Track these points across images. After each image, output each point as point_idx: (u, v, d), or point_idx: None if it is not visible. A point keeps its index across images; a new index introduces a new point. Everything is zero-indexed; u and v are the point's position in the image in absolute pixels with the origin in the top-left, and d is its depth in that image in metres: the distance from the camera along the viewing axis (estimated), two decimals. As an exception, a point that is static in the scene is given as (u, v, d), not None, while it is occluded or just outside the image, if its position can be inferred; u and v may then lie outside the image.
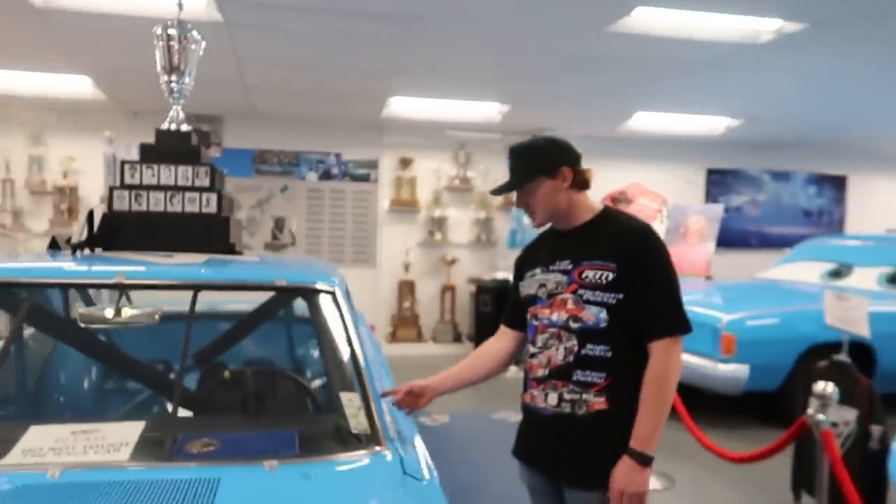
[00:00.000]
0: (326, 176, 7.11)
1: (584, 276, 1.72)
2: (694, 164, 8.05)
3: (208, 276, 1.99)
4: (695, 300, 5.15)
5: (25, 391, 2.13)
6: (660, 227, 7.75)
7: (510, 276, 6.57)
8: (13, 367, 2.11)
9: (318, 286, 2.05)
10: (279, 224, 7.00)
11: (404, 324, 7.16)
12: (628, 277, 1.69)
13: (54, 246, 2.31)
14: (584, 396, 1.72)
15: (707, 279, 6.68)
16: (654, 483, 3.57)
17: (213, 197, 2.51)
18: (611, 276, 1.70)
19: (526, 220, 1.89)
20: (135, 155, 7.15)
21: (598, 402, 1.70)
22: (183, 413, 1.84)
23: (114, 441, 1.62)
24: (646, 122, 6.95)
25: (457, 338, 7.27)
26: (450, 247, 7.32)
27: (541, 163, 1.75)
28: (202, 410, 1.90)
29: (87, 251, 2.22)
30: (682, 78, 5.45)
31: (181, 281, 1.95)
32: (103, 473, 1.46)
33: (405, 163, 7.21)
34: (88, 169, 6.55)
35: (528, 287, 1.86)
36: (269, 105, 6.47)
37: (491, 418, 4.86)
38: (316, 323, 2.05)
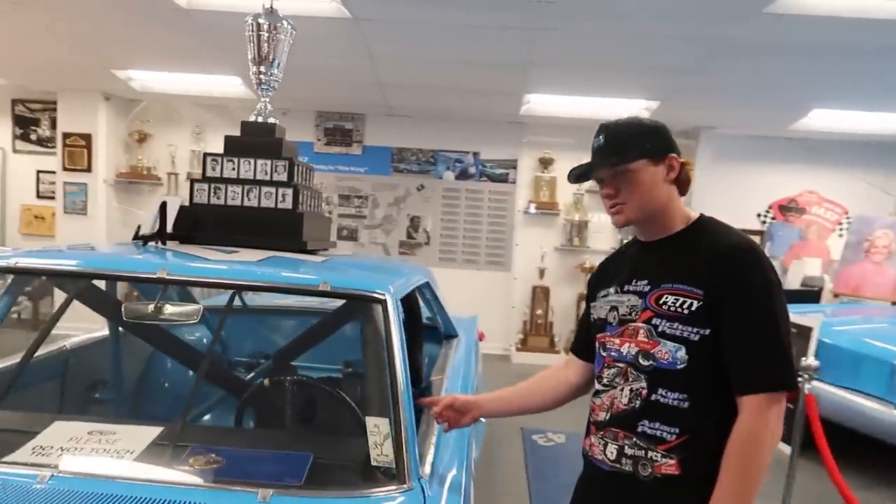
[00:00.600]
0: (464, 175, 6.97)
1: (662, 301, 1.36)
2: (884, 169, 6.89)
3: (251, 277, 1.86)
4: (870, 330, 4.34)
5: (70, 382, 2.15)
6: (837, 242, 6.73)
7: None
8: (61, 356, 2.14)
9: (363, 293, 1.84)
10: (414, 223, 6.97)
11: (536, 332, 6.83)
12: (719, 309, 1.31)
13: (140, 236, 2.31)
14: (651, 455, 1.36)
15: (893, 304, 5.66)
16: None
17: (289, 192, 2.41)
18: (695, 304, 1.32)
19: (613, 217, 1.49)
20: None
21: (668, 465, 1.34)
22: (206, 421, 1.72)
23: (122, 446, 1.53)
24: (825, 120, 6.03)
25: (592, 351, 6.80)
26: (589, 253, 6.87)
27: (647, 142, 1.39)
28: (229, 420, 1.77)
29: (157, 243, 2.20)
30: (868, 67, 4.62)
31: (220, 279, 1.84)
32: (89, 484, 1.36)
33: (545, 163, 6.87)
34: (242, 164, 6.93)
35: (599, 310, 1.52)
36: (405, 103, 6.44)
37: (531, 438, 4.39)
38: (362, 334, 1.85)
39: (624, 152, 1.39)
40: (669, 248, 1.43)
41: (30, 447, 1.52)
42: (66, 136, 6.53)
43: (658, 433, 1.35)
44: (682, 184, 1.45)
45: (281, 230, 2.35)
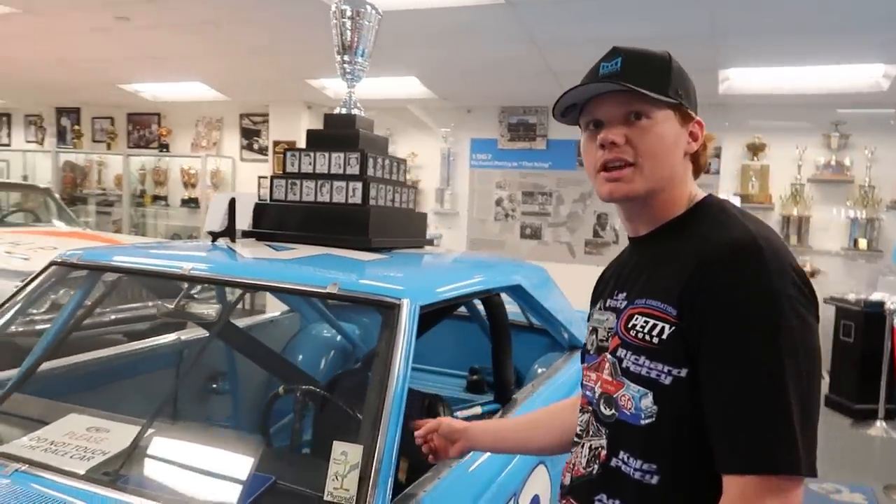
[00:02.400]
0: (657, 167, 6.30)
1: (631, 325, 0.94)
2: None
3: (269, 276, 1.74)
4: None
5: (114, 374, 2.20)
6: None
7: (890, 298, 4.82)
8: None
9: (375, 297, 1.61)
10: (601, 220, 6.47)
11: (743, 344, 5.92)
12: (698, 339, 0.86)
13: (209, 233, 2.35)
14: None
15: None
16: None
17: (359, 186, 2.26)
18: (667, 330, 0.89)
19: (606, 185, 0.99)
20: (465, 151, 7.50)
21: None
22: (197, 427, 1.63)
23: (99, 447, 1.49)
24: None
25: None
26: (811, 254, 5.77)
27: (679, 86, 0.99)
28: (226, 427, 1.66)
29: (225, 240, 2.20)
30: None
31: (236, 278, 1.74)
32: (39, 482, 1.34)
33: (755, 149, 5.92)
34: (429, 163, 7.05)
35: (587, 332, 1.13)
36: (586, 91, 5.99)
37: (831, 500, 3.58)
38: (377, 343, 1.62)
39: (654, 86, 0.95)
40: (658, 245, 1.00)
41: (32, 436, 1.54)
42: (276, 143, 7.19)
43: None
44: (699, 161, 1.03)
45: (347, 226, 2.21)
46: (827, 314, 5.30)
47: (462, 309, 2.85)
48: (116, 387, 2.17)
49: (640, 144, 0.96)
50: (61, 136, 8.97)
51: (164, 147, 8.18)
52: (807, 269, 5.67)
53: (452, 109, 6.88)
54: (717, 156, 6.10)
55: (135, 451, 1.43)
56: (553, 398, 2.25)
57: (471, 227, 6.94)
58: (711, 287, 0.85)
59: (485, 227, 6.89)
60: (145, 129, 8.48)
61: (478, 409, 2.29)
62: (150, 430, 1.52)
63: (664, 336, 0.89)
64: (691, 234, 0.94)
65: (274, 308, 3.43)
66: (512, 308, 2.61)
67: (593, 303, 1.13)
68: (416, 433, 1.39)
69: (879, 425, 4.70)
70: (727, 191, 6.05)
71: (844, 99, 5.42)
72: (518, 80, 5.82)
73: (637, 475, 0.91)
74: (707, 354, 0.85)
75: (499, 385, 2.35)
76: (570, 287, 2.90)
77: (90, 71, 6.66)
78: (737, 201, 5.92)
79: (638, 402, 0.91)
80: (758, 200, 5.90)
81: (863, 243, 5.61)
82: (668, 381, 0.88)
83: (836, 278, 5.69)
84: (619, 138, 0.97)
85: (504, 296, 2.38)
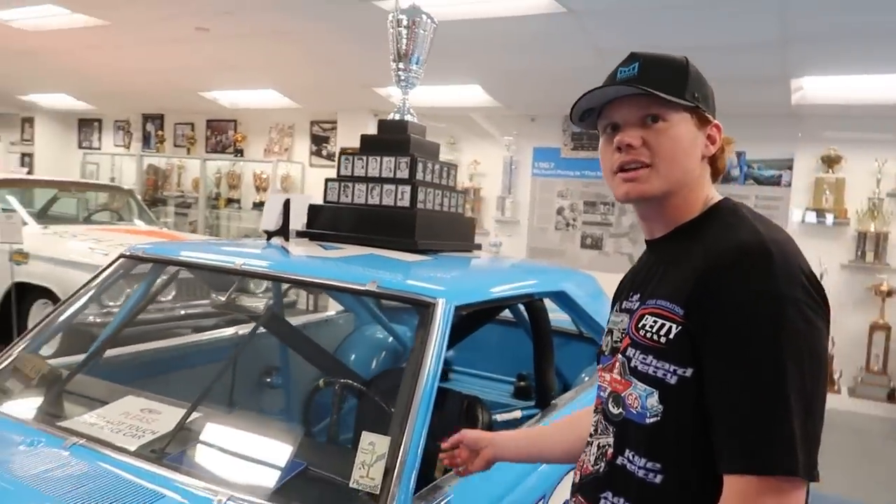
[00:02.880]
0: (725, 178, 6.12)
1: (640, 324, 0.96)
2: None
3: (302, 272, 1.82)
4: None
5: (172, 363, 2.32)
6: None
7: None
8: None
9: (412, 296, 1.66)
10: (665, 231, 6.34)
11: (813, 364, 5.66)
12: (703, 340, 0.87)
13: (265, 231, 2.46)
14: None
15: None
16: None
17: (407, 190, 2.32)
18: (674, 330, 0.90)
19: (623, 186, 1.01)
20: (527, 159, 7.53)
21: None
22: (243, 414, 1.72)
23: (150, 426, 1.60)
24: None
25: (890, 396, 5.41)
26: (889, 273, 5.48)
27: (696, 90, 1.00)
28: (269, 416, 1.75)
29: (279, 239, 2.30)
30: None
31: (281, 273, 1.83)
32: (94, 455, 1.45)
33: (830, 162, 5.67)
34: (491, 171, 7.09)
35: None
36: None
37: (820, 494, 3.41)
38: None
39: (666, 85, 0.97)
40: (671, 247, 1.00)
41: (92, 414, 1.67)
42: (343, 150, 7.40)
43: None
44: (718, 164, 1.03)
45: (394, 228, 2.27)
46: (905, 336, 5.03)
47: (510, 315, 2.88)
48: (174, 376, 2.30)
49: (656, 146, 0.97)
50: (146, 140, 9.50)
51: (238, 152, 8.54)
52: (883, 288, 5.40)
53: (516, 117, 6.91)
54: (789, 168, 5.88)
55: (180, 432, 1.53)
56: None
57: (531, 235, 6.93)
58: (718, 288, 0.86)
59: (545, 236, 6.87)
60: (222, 134, 8.87)
61: (517, 413, 2.31)
62: (196, 415, 1.62)
63: (671, 336, 0.90)
64: (703, 237, 0.95)
65: (334, 310, 3.54)
66: (564, 316, 2.61)
67: (612, 305, 1.14)
68: (443, 444, 1.38)
69: (820, 430, 4.39)
70: (800, 205, 5.82)
71: (929, 109, 5.14)
72: (582, 88, 5.73)
73: (641, 473, 0.92)
74: (711, 354, 0.86)
75: (540, 390, 2.37)
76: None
77: (172, 79, 7.05)
78: (810, 216, 5.70)
79: (644, 401, 0.92)
80: (833, 215, 5.65)
81: (947, 262, 5.29)
82: (673, 380, 0.89)
83: (916, 299, 5.39)
84: (636, 140, 0.98)
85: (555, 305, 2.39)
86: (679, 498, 0.90)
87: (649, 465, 0.91)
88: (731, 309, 0.84)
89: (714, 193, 1.02)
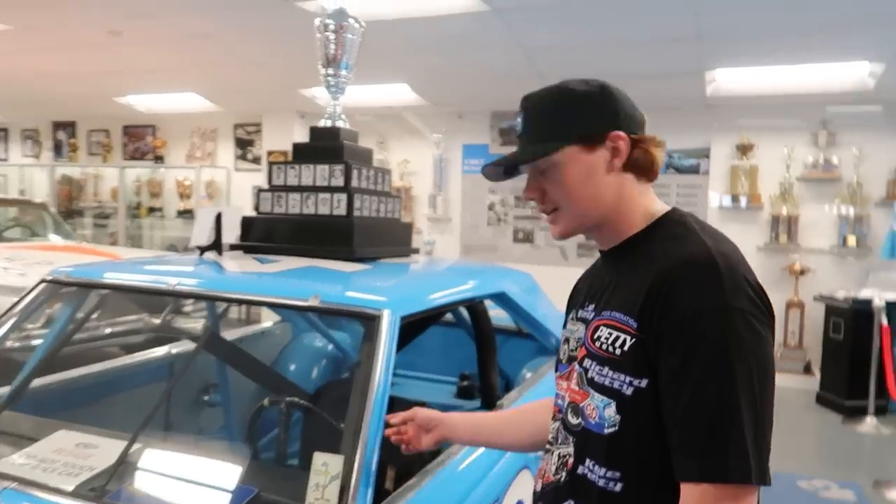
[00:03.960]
0: (648, 169, 6.33)
1: (596, 336, 0.98)
2: None
3: (252, 290, 1.78)
4: None
5: (105, 388, 2.24)
6: None
7: (879, 295, 4.87)
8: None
9: (355, 309, 1.65)
10: (594, 222, 6.52)
11: (737, 343, 5.95)
12: (656, 352, 0.90)
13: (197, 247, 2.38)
14: None
15: None
16: None
17: (343, 198, 2.30)
18: (628, 342, 0.93)
19: (551, 228, 1.09)
20: (457, 156, 7.55)
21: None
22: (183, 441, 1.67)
23: (87, 462, 1.53)
24: None
25: (806, 368, 5.75)
26: (801, 253, 5.81)
27: (575, 119, 1.01)
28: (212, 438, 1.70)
29: (212, 254, 2.23)
30: None
31: (219, 293, 1.78)
32: (29, 499, 1.37)
33: (744, 149, 5.96)
34: (422, 170, 7.09)
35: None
36: (576, 95, 6.04)
37: (820, 497, 3.61)
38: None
39: (539, 136, 1.01)
40: (623, 259, 1.02)
41: (22, 454, 1.58)
42: (269, 153, 7.24)
43: None
44: (643, 167, 1.02)
45: (332, 237, 2.25)
46: (816, 312, 5.37)
47: (450, 316, 2.89)
48: (107, 402, 2.21)
49: (552, 192, 1.03)
50: (57, 149, 9.02)
51: (159, 159, 8.23)
52: (796, 267, 5.73)
53: (444, 115, 6.93)
54: (706, 156, 6.15)
55: (121, 466, 1.47)
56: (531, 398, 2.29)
57: (464, 232, 6.98)
58: (668, 301, 0.89)
59: (477, 233, 6.93)
60: (140, 141, 8.53)
61: (464, 415, 2.33)
62: (137, 445, 1.56)
63: (626, 347, 0.92)
64: (653, 249, 0.97)
65: (269, 319, 3.47)
66: (503, 313, 2.65)
67: (567, 311, 1.16)
68: (391, 421, 1.40)
69: (869, 421, 4.73)
70: (717, 191, 6.10)
71: (831, 97, 5.47)
72: (508, 85, 5.84)
73: (601, 483, 0.94)
74: (664, 366, 0.89)
75: (485, 390, 2.39)
76: (562, 290, 2.90)
77: (85, 85, 6.71)
78: (727, 201, 5.98)
79: (602, 412, 0.94)
80: (748, 200, 5.94)
81: (852, 241, 5.65)
82: (629, 391, 0.92)
83: (825, 276, 5.74)
84: (535, 193, 1.05)
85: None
86: (640, 502, 0.93)
87: (609, 473, 0.94)
88: (682, 322, 0.87)
89: (656, 204, 1.04)
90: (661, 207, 1.04)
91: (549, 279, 3.10)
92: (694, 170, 6.19)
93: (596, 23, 4.31)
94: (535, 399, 2.32)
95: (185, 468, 1.49)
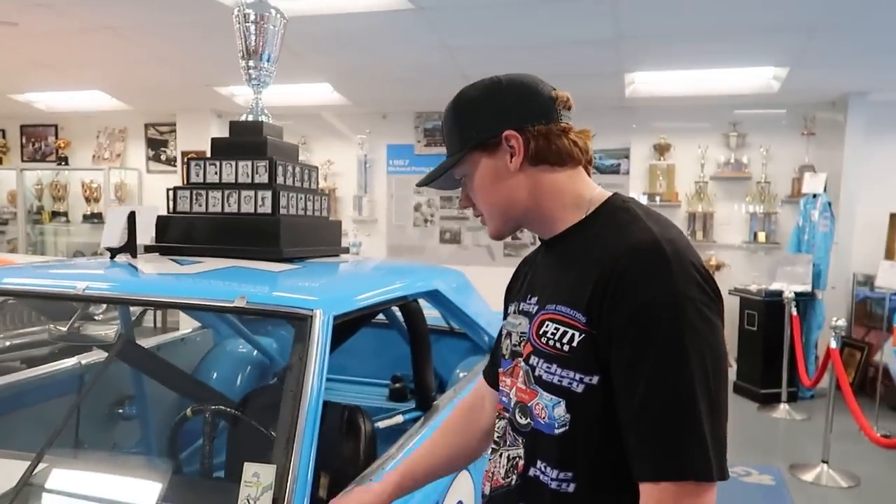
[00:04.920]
0: (570, 169, 6.45)
1: (542, 331, 0.94)
2: None
3: (171, 292, 1.65)
4: None
5: (5, 404, 2.06)
6: None
7: (788, 287, 5.05)
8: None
9: (286, 310, 1.56)
10: (519, 222, 6.58)
11: (657, 337, 6.14)
12: (607, 346, 0.87)
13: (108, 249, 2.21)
14: None
15: None
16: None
17: (268, 195, 2.19)
18: (577, 337, 0.89)
19: (488, 228, 1.10)
20: (381, 157, 7.41)
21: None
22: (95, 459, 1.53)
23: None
24: None
25: (723, 359, 5.99)
26: (715, 248, 6.06)
27: (472, 125, 1.00)
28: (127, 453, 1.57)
29: (125, 256, 2.08)
30: None
31: (134, 296, 1.64)
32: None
33: (661, 150, 6.16)
34: (345, 170, 6.96)
35: (502, 334, 1.13)
36: (501, 95, 6.08)
37: (741, 482, 3.72)
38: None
39: (451, 150, 1.03)
40: (565, 248, 0.99)
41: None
42: (184, 154, 6.93)
43: None
44: (554, 157, 0.98)
45: (257, 237, 2.13)
46: (732, 305, 5.59)
47: (381, 317, 2.82)
48: (9, 419, 2.01)
49: (473, 198, 1.06)
50: (-54, 150, 8.32)
51: (62, 160, 7.72)
52: (712, 262, 5.96)
53: (367, 115, 6.83)
54: (626, 157, 6.31)
55: (24, 489, 1.32)
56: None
57: (390, 233, 6.90)
58: (615, 292, 0.85)
59: (404, 234, 6.86)
60: (41, 141, 7.98)
61: (399, 418, 2.26)
62: (42, 465, 1.41)
63: (574, 343, 0.88)
64: (597, 237, 0.94)
65: (187, 326, 3.29)
66: (433, 313, 2.60)
67: (507, 303, 1.12)
68: None
69: (783, 408, 4.97)
70: (636, 190, 6.27)
71: (740, 100, 5.72)
72: (432, 85, 5.82)
73: (554, 485, 0.90)
74: (616, 362, 0.85)
75: (420, 392, 2.33)
76: (490, 290, 2.90)
77: (-25, 80, 6.22)
78: (646, 200, 6.15)
79: (551, 411, 0.90)
80: (665, 199, 6.15)
81: (762, 236, 5.94)
82: (580, 388, 0.88)
83: (738, 270, 6.00)
84: (465, 202, 1.09)
85: (423, 301, 2.36)
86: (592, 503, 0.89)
87: (561, 475, 0.90)
88: (633, 314, 0.84)
89: (591, 190, 1.01)
90: (598, 193, 1.01)
91: (477, 279, 3.06)
92: (615, 170, 6.35)
93: (518, 23, 4.34)
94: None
95: (99, 488, 1.36)
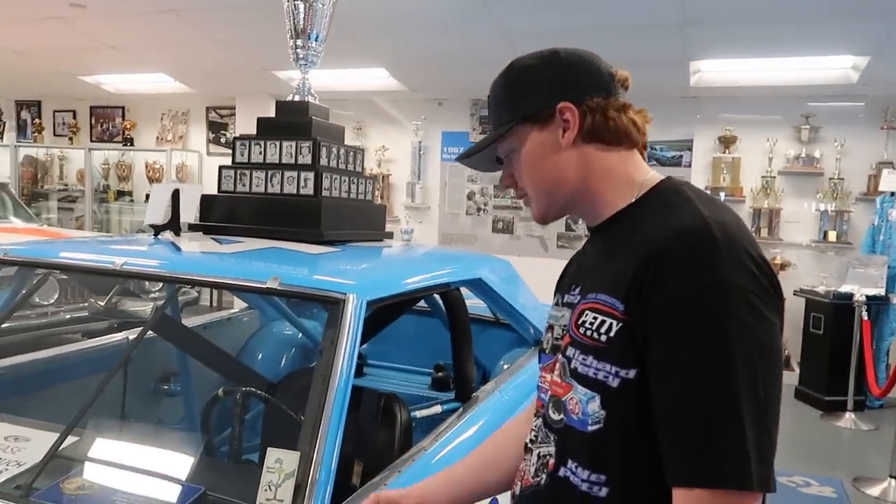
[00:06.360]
0: (630, 160, 6.25)
1: (580, 321, 0.86)
2: None
3: (206, 271, 1.63)
4: None
5: (51, 377, 2.08)
6: None
7: (859, 290, 4.80)
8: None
9: (318, 293, 1.51)
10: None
11: (715, 337, 5.90)
12: (645, 338, 0.78)
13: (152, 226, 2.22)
14: None
15: None
16: None
17: (311, 176, 2.15)
18: (615, 327, 0.80)
19: (532, 210, 1.02)
20: (436, 144, 7.37)
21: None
22: (127, 435, 1.51)
23: (15, 457, 1.38)
24: None
25: (786, 363, 5.72)
26: (781, 247, 5.76)
27: (521, 98, 0.93)
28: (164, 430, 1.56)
29: (169, 234, 2.08)
30: None
31: (170, 273, 1.63)
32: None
33: (726, 142, 5.89)
34: (400, 157, 6.93)
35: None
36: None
37: (800, 493, 3.55)
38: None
39: (497, 123, 0.97)
40: (610, 235, 0.91)
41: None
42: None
43: None
44: (608, 135, 0.90)
45: (298, 218, 2.10)
46: (797, 306, 5.31)
47: (427, 304, 2.76)
48: (51, 393, 2.04)
49: (518, 176, 0.98)
50: (21, 129, 8.70)
51: (128, 141, 7.96)
52: (777, 261, 5.68)
53: (423, 102, 6.78)
54: (689, 148, 6.07)
55: (52, 462, 1.32)
56: (516, 396, 2.17)
57: (442, 221, 6.85)
58: (657, 280, 0.77)
59: (457, 222, 6.80)
60: (109, 122, 8.25)
61: (437, 408, 2.20)
62: (74, 438, 1.41)
63: (612, 334, 0.80)
64: (642, 222, 0.86)
65: (242, 307, 3.30)
66: (479, 303, 2.53)
67: (554, 297, 1.05)
68: None
69: (848, 417, 4.70)
70: (699, 184, 6.00)
71: (815, 91, 5.41)
72: (489, 71, 5.63)
73: (585, 487, 0.82)
74: (654, 355, 0.77)
75: (459, 383, 2.27)
76: (542, 281, 2.81)
77: (48, 62, 6.44)
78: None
79: (585, 406, 0.82)
80: (729, 193, 5.87)
81: (832, 236, 5.62)
82: (615, 383, 0.80)
83: (805, 271, 5.69)
84: (507, 181, 1.01)
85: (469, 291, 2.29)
86: None
87: (593, 476, 0.82)
88: (673, 303, 0.75)
89: (644, 173, 0.92)
90: (650, 177, 0.92)
91: (529, 270, 2.98)
92: (676, 162, 6.11)
93: (578, 6, 4.19)
94: (513, 391, 2.22)
95: (127, 463, 1.34)
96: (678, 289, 0.75)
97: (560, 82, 0.91)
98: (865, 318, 4.63)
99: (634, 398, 0.79)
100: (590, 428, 0.82)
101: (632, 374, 0.79)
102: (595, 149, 0.91)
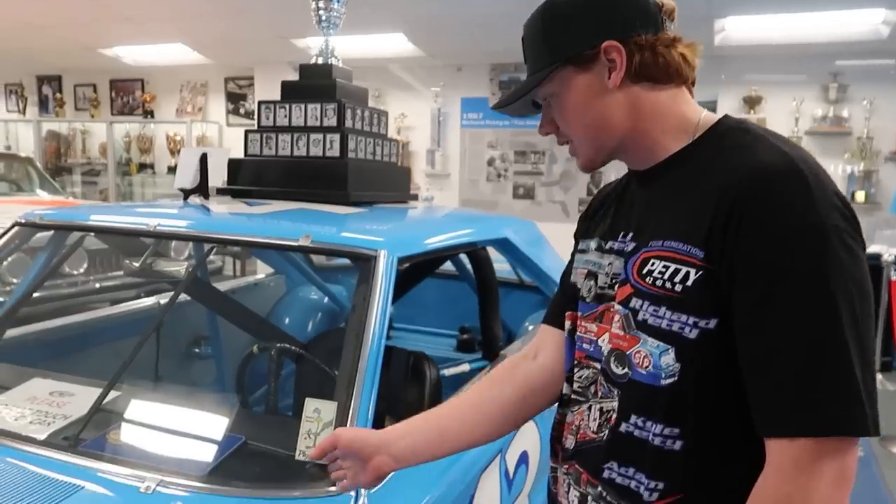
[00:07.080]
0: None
1: (646, 270, 0.84)
2: None
3: (239, 230, 1.65)
4: None
5: (87, 340, 2.12)
6: None
7: (888, 251, 4.71)
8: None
9: (350, 249, 1.53)
10: (595, 179, 6.31)
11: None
12: (730, 284, 0.76)
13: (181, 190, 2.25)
14: None
15: None
16: None
17: (336, 138, 2.15)
18: (693, 275, 0.79)
19: (577, 158, 0.97)
20: (455, 110, 7.30)
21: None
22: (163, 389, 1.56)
23: (61, 411, 1.42)
24: None
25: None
26: (808, 208, 5.68)
27: (558, 40, 0.88)
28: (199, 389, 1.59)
29: (198, 198, 2.10)
30: None
31: (204, 233, 1.65)
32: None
33: (751, 102, 5.78)
34: (419, 124, 6.90)
35: (576, 271, 1.03)
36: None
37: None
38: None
39: (536, 66, 0.91)
40: (669, 180, 0.87)
41: (-8, 403, 1.47)
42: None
43: (632, 485, 0.84)
44: (658, 73, 0.86)
45: (325, 180, 2.11)
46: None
47: (452, 267, 2.77)
48: (88, 353, 2.09)
49: (560, 122, 0.94)
50: (43, 104, 8.77)
51: (148, 113, 8.01)
52: (803, 223, 5.60)
53: (442, 68, 6.71)
54: (713, 110, 5.92)
55: (97, 415, 1.36)
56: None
57: (462, 188, 6.83)
58: (746, 222, 0.74)
59: (477, 188, 6.78)
60: (129, 95, 8.28)
61: (465, 367, 2.23)
62: (116, 394, 1.45)
63: (689, 282, 0.78)
64: (712, 160, 0.82)
65: (263, 273, 3.35)
66: (503, 266, 2.53)
67: (585, 236, 1.03)
68: (311, 454, 1.04)
69: (876, 378, 4.67)
70: (723, 146, 5.94)
71: (843, 48, 5.27)
72: (508, 36, 5.61)
73: (657, 441, 0.81)
74: (745, 301, 0.74)
75: (486, 341, 2.29)
76: (564, 246, 2.81)
77: (66, 36, 6.46)
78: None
79: (657, 360, 0.81)
80: (754, 155, 5.78)
81: (860, 196, 5.52)
82: (693, 334, 0.78)
83: (833, 232, 5.61)
84: (548, 126, 0.96)
85: (495, 254, 2.30)
86: (702, 466, 0.80)
87: (666, 430, 0.80)
88: (767, 247, 0.73)
89: (696, 112, 0.89)
90: (706, 116, 0.89)
91: (551, 235, 2.97)
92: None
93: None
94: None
95: (167, 417, 1.38)
96: (772, 232, 0.73)
97: (604, 20, 0.86)
98: (893, 278, 4.56)
99: (714, 349, 0.77)
100: (663, 381, 0.80)
101: (712, 323, 0.77)
102: (643, 88, 0.87)
